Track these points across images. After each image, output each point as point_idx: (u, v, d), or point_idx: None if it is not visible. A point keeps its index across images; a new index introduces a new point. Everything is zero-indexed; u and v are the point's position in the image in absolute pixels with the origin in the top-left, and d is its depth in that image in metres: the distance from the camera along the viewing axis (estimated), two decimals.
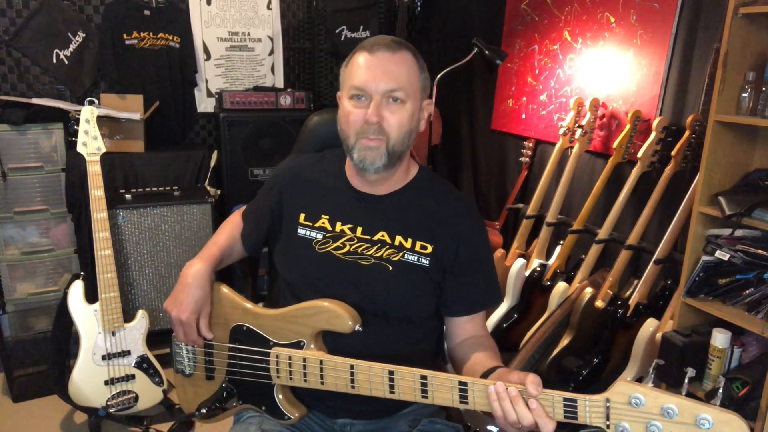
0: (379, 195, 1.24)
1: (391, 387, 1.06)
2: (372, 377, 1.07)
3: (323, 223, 1.25)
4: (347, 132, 1.18)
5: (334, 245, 1.23)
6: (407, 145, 1.19)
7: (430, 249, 1.20)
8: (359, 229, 1.22)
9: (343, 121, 1.19)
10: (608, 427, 0.92)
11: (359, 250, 1.21)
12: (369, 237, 1.22)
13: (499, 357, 1.19)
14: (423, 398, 1.04)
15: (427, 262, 1.20)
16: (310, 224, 1.25)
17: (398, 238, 1.21)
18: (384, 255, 1.20)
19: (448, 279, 1.22)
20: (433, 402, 1.03)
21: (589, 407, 0.93)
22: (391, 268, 1.20)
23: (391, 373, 1.05)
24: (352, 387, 1.09)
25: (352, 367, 1.08)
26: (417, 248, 1.20)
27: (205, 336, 1.25)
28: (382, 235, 1.21)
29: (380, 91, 1.14)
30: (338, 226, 1.23)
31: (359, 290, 1.19)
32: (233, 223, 1.41)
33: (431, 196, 1.26)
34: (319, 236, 1.24)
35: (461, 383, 1.00)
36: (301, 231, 1.26)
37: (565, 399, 0.94)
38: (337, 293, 1.17)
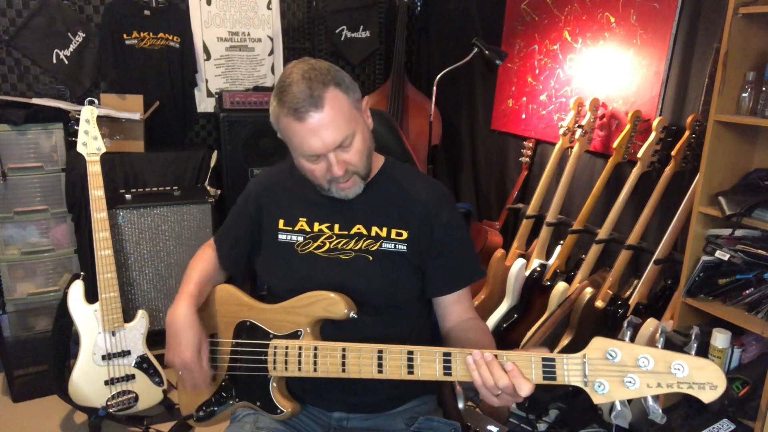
0: None
1: (380, 366, 1.08)
2: (362, 358, 1.09)
3: (302, 225, 1.28)
4: (317, 182, 1.21)
5: (315, 245, 1.26)
6: (372, 156, 1.23)
7: (405, 235, 1.24)
8: (336, 227, 1.26)
9: (308, 173, 1.20)
10: (586, 384, 0.93)
11: (339, 245, 1.25)
12: (346, 232, 1.25)
13: (491, 338, 1.24)
14: (409, 374, 1.06)
15: (405, 248, 1.24)
16: (290, 228, 1.29)
17: (374, 229, 1.25)
18: (363, 247, 1.24)
19: (427, 261, 1.26)
20: (418, 378, 1.05)
21: (567, 365, 0.94)
22: (371, 258, 1.23)
23: (380, 351, 1.08)
24: (343, 371, 1.12)
25: (344, 350, 1.11)
26: (393, 236, 1.24)
27: (206, 370, 1.25)
28: (359, 228, 1.25)
29: (331, 149, 1.14)
30: (316, 227, 1.27)
31: (344, 284, 1.22)
32: (204, 255, 1.41)
33: (399, 184, 1.29)
34: (300, 238, 1.27)
35: (445, 354, 1.03)
36: (281, 236, 1.29)
37: (543, 359, 0.96)
38: (323, 290, 1.19)
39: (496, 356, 0.99)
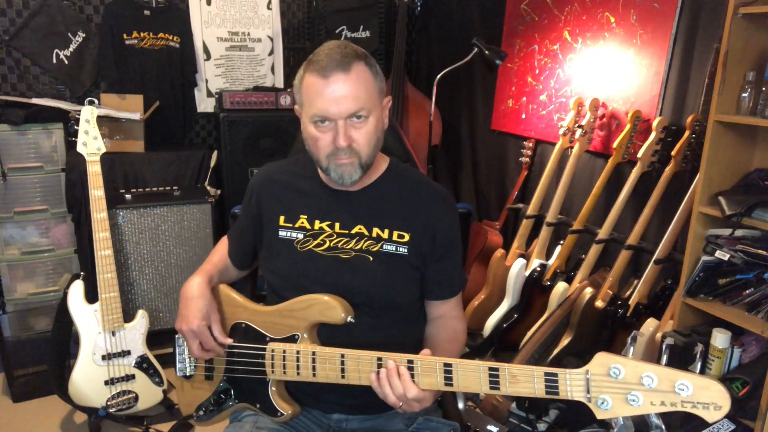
0: (352, 191, 1.27)
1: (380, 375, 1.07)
2: (361, 365, 1.08)
3: (302, 222, 1.28)
4: (317, 155, 1.20)
5: (315, 242, 1.25)
6: (377, 151, 1.22)
7: (407, 237, 1.24)
8: (337, 225, 1.26)
9: (311, 144, 1.20)
10: (589, 400, 0.92)
11: (339, 244, 1.24)
12: (347, 231, 1.25)
13: (458, 341, 1.27)
14: None
15: (405, 251, 1.24)
16: (291, 225, 1.28)
17: (375, 230, 1.24)
18: (363, 247, 1.23)
19: (428, 264, 1.26)
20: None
21: (570, 381, 0.93)
22: (371, 258, 1.23)
23: (379, 359, 1.07)
24: (342, 377, 1.11)
25: (342, 356, 1.10)
26: (394, 238, 1.24)
27: (222, 342, 1.25)
28: (360, 229, 1.25)
29: (343, 116, 1.14)
30: (317, 224, 1.26)
31: (342, 283, 1.21)
32: (225, 244, 1.45)
33: (403, 187, 1.29)
34: (300, 236, 1.27)
35: (446, 365, 1.02)
36: (282, 233, 1.29)
37: (546, 374, 0.95)
38: (321, 289, 1.19)
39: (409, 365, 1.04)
